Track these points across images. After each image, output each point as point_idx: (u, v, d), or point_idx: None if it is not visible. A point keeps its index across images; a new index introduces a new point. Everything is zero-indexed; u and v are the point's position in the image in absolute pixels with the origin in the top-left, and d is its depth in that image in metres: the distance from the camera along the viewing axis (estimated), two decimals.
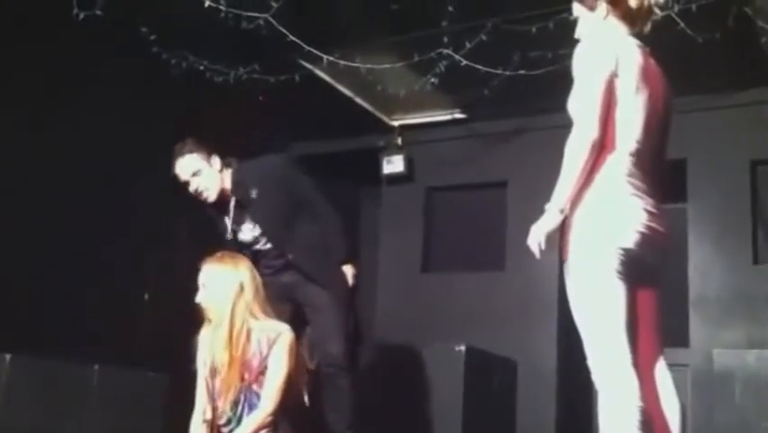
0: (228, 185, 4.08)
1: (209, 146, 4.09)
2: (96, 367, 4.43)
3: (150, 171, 5.40)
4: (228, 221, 4.09)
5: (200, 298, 3.39)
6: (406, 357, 5.46)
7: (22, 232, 4.77)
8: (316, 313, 4.05)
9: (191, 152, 4.02)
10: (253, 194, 4.04)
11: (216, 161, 4.07)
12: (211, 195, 4.03)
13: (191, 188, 4.03)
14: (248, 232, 4.11)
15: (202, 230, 4.31)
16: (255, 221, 4.08)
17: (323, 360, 4.00)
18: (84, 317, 4.97)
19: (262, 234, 4.10)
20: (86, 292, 5.04)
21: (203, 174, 4.01)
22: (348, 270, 4.17)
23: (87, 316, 5.00)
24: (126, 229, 5.35)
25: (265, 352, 3.32)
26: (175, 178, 4.03)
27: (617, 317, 2.60)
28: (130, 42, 4.91)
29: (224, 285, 3.37)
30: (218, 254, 3.49)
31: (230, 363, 3.30)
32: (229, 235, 4.09)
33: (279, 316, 3.58)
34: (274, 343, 3.33)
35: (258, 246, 4.12)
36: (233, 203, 4.08)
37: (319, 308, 4.05)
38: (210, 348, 3.37)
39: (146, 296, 5.58)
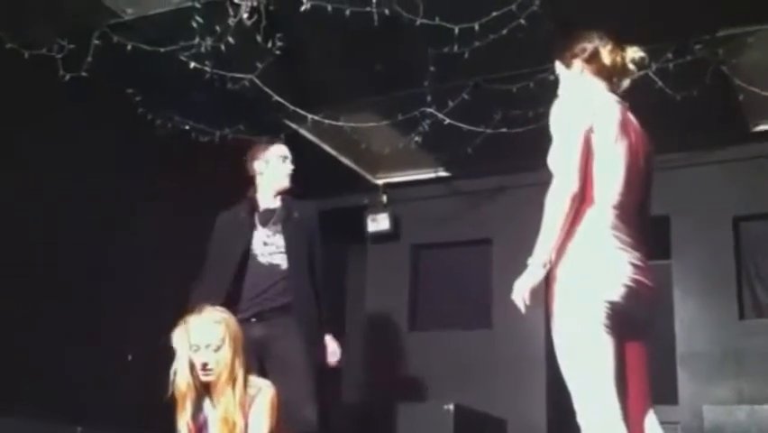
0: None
1: None
2: (80, 429, 4.36)
3: (133, 229, 5.41)
4: (260, 233, 4.16)
5: (210, 359, 3.25)
6: (394, 416, 5.41)
7: (2, 290, 4.71)
8: (290, 373, 3.94)
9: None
10: (295, 214, 4.23)
11: None
12: (288, 181, 4.27)
13: (288, 167, 4.28)
14: (273, 255, 4.13)
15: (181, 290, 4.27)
16: (286, 240, 4.14)
17: (297, 425, 3.85)
18: (67, 377, 4.89)
19: (287, 249, 4.13)
20: (69, 352, 4.96)
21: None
22: (331, 342, 4.24)
23: (70, 376, 4.92)
24: (110, 289, 5.30)
25: (246, 408, 3.26)
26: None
27: (605, 372, 2.59)
28: (115, 103, 4.93)
29: (229, 342, 3.28)
30: (207, 309, 3.38)
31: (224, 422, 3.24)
32: (261, 252, 4.12)
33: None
34: (254, 399, 3.28)
35: (272, 272, 4.10)
36: (277, 212, 4.21)
37: (294, 369, 3.97)
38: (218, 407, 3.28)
39: (129, 356, 5.51)
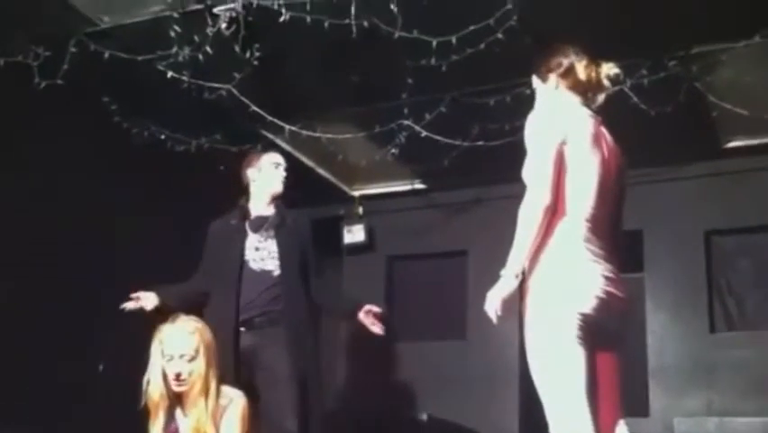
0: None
1: None
2: None
3: (107, 236, 5.37)
4: (251, 239, 4.17)
5: (184, 369, 3.23)
6: (367, 427, 5.40)
7: None
8: (276, 384, 3.95)
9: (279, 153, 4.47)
10: (288, 220, 4.27)
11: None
12: (281, 187, 4.32)
13: (281, 173, 4.34)
14: (264, 260, 4.14)
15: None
16: (278, 245, 4.16)
17: None
18: (36, 388, 4.84)
19: (280, 254, 4.14)
20: (39, 362, 4.91)
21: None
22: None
23: (40, 387, 4.87)
24: (84, 295, 5.25)
25: (217, 418, 3.24)
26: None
27: (577, 383, 2.61)
28: (91, 111, 4.90)
29: (204, 352, 3.27)
30: (181, 318, 3.36)
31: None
32: (253, 258, 4.13)
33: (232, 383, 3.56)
34: (226, 409, 3.26)
35: (264, 278, 4.11)
36: (270, 219, 4.23)
37: (280, 380, 3.96)
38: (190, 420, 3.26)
39: (100, 367, 5.45)
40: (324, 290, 4.37)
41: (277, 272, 4.14)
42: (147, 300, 4.05)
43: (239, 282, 4.09)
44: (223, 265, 4.17)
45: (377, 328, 4.17)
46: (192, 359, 3.25)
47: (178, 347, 3.26)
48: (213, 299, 4.17)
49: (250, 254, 4.17)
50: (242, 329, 4.03)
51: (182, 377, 3.24)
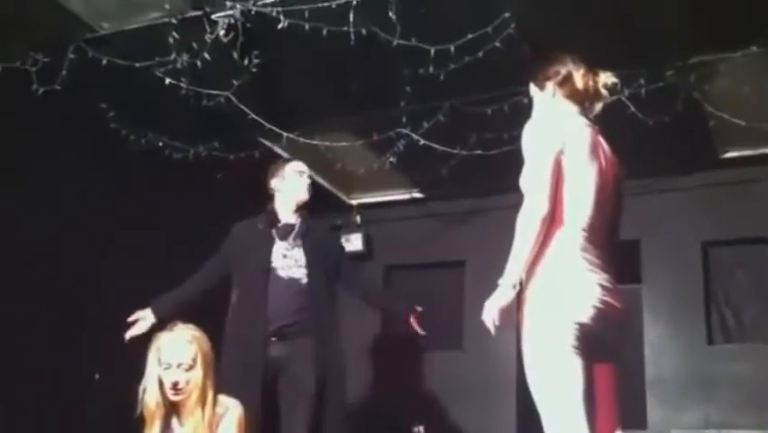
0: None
1: None
2: None
3: (104, 244, 5.36)
4: (279, 247, 4.19)
5: (181, 378, 3.19)
6: None
7: None
8: (300, 399, 3.98)
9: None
10: (315, 230, 4.34)
11: None
12: (306, 195, 4.34)
13: (305, 181, 4.36)
14: (291, 268, 4.16)
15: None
16: (306, 254, 4.19)
17: None
18: (32, 395, 4.82)
19: (307, 264, 4.17)
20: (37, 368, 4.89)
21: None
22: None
23: (36, 394, 4.85)
24: (76, 307, 5.23)
25: (213, 428, 3.21)
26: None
27: (574, 393, 2.59)
28: (89, 118, 4.90)
29: (201, 361, 3.23)
30: (179, 326, 3.31)
31: None
32: (281, 265, 4.15)
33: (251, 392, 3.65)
34: (222, 418, 3.24)
35: (291, 285, 4.13)
36: (297, 227, 4.26)
37: (305, 396, 3.99)
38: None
39: (96, 376, 5.43)
40: (371, 286, 4.60)
41: (304, 281, 4.16)
42: (144, 321, 4.08)
43: (266, 289, 4.10)
44: (248, 270, 4.18)
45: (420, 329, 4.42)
46: (190, 368, 3.21)
47: (176, 356, 3.22)
48: (238, 304, 4.18)
49: (277, 262, 4.18)
50: (274, 339, 4.04)
51: (179, 386, 3.20)
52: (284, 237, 4.23)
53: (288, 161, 4.56)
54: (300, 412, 3.97)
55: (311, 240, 4.27)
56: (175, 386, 3.20)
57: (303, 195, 4.35)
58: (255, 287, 4.12)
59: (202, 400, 3.20)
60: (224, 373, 3.95)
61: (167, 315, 3.99)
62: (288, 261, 4.19)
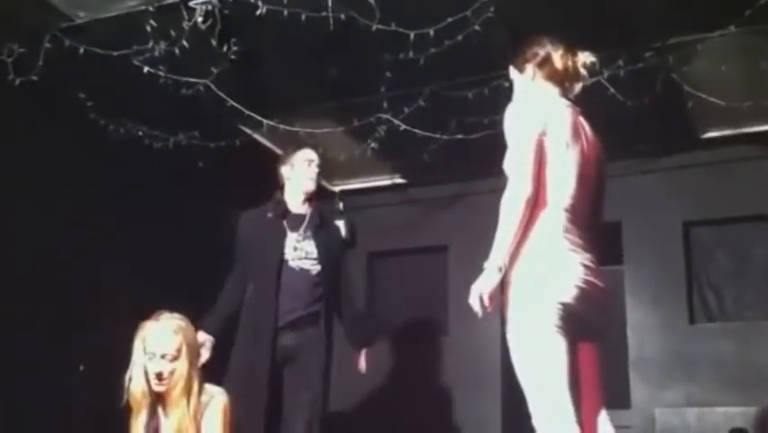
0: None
1: None
2: None
3: (84, 235, 5.32)
4: (290, 237, 4.20)
5: (165, 369, 3.19)
6: (350, 427, 5.39)
7: None
8: (303, 390, 4.05)
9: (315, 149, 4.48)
10: (326, 222, 4.39)
11: None
12: (313, 185, 4.35)
13: (314, 170, 4.37)
14: (302, 260, 4.19)
15: (138, 297, 4.22)
16: (318, 246, 4.21)
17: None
18: (20, 386, 4.79)
19: (318, 257, 4.20)
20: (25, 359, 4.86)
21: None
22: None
23: (24, 385, 4.82)
24: (60, 298, 5.20)
25: (198, 418, 3.21)
26: None
27: (558, 373, 2.61)
28: (67, 108, 4.85)
29: (186, 352, 3.22)
30: (165, 316, 3.30)
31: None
32: (292, 256, 4.17)
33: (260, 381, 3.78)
34: (207, 406, 3.24)
35: (303, 276, 4.17)
36: (308, 218, 4.27)
37: (308, 387, 4.06)
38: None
39: (81, 367, 5.40)
40: (350, 305, 4.50)
41: (315, 272, 4.20)
42: (204, 348, 4.06)
43: (278, 280, 4.12)
44: (260, 260, 4.20)
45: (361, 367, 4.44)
46: (174, 359, 3.21)
47: (161, 346, 3.21)
48: (251, 297, 4.21)
49: (289, 253, 4.20)
50: (286, 328, 4.09)
51: (163, 376, 3.19)
52: (295, 228, 4.25)
53: (298, 148, 4.52)
54: (301, 401, 4.03)
55: (324, 233, 4.31)
56: (159, 376, 3.20)
57: (310, 185, 4.36)
58: (268, 278, 4.13)
59: (187, 391, 3.20)
60: (234, 362, 4.01)
61: (218, 331, 4.17)
62: (299, 252, 4.21)
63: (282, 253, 4.17)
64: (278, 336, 4.08)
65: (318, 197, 4.51)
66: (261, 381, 3.97)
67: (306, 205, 4.36)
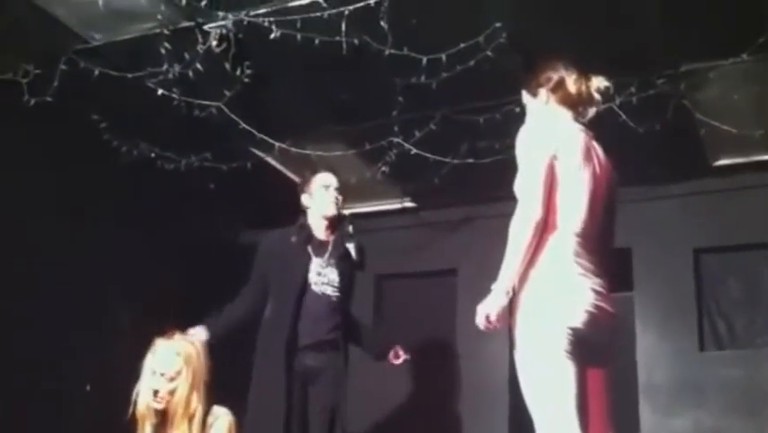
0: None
1: None
2: None
3: (95, 253, 5.34)
4: (314, 263, 4.23)
5: (163, 388, 3.23)
6: None
7: None
8: (321, 411, 4.08)
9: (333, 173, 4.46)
10: (349, 253, 4.36)
11: None
12: (334, 210, 4.35)
13: (332, 194, 4.36)
14: (323, 284, 4.23)
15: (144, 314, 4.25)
16: (340, 276, 4.26)
17: None
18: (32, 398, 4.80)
19: (340, 285, 4.26)
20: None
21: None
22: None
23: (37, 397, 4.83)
24: (64, 319, 5.20)
25: None
26: None
27: (567, 398, 2.60)
28: (81, 129, 4.88)
29: (187, 375, 3.25)
30: (177, 336, 3.37)
31: None
32: (315, 281, 4.20)
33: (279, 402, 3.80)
34: (212, 427, 3.25)
35: (324, 302, 4.20)
36: (331, 246, 4.30)
37: (325, 408, 4.10)
38: None
39: (88, 387, 5.41)
40: (359, 323, 4.58)
41: (335, 298, 4.25)
42: (196, 337, 4.03)
43: (300, 305, 4.15)
44: (284, 281, 4.22)
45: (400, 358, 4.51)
46: (172, 380, 3.26)
47: (161, 365, 3.28)
48: (272, 317, 4.22)
49: (312, 277, 4.24)
50: (308, 351, 4.12)
51: (159, 394, 3.25)
52: (319, 255, 4.28)
53: (314, 173, 4.51)
54: (321, 421, 4.08)
55: (346, 264, 4.34)
56: (155, 394, 3.25)
57: (330, 210, 4.37)
58: (291, 302, 4.15)
59: (188, 415, 3.22)
60: (256, 382, 4.09)
61: (219, 333, 4.16)
62: (322, 278, 4.26)
63: (307, 277, 4.19)
64: (301, 355, 4.11)
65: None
66: (280, 399, 3.97)
67: (329, 231, 4.36)
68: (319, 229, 4.37)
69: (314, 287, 4.22)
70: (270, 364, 4.07)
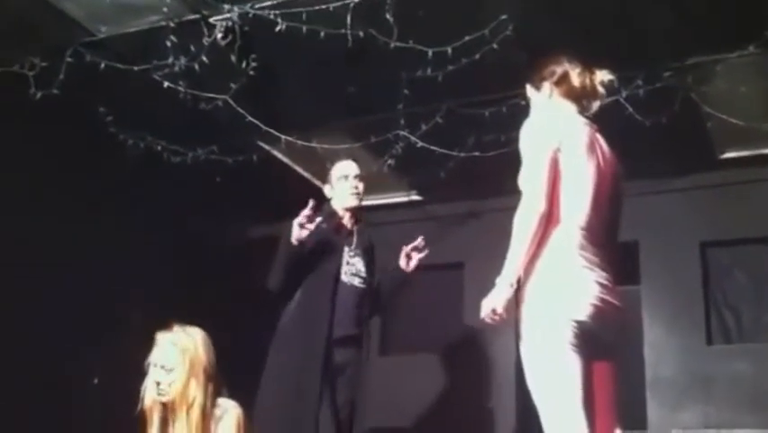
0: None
1: None
2: None
3: (100, 247, 5.36)
4: (345, 251, 4.17)
5: (162, 379, 3.24)
6: None
7: None
8: (342, 407, 4.02)
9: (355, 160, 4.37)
10: (372, 243, 4.32)
11: None
12: (355, 200, 4.24)
13: (351, 184, 4.24)
14: (351, 274, 4.16)
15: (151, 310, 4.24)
16: (366, 266, 4.21)
17: None
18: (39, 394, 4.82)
19: (366, 276, 4.20)
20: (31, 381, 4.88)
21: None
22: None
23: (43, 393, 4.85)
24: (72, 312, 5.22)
25: (212, 431, 3.23)
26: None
27: (573, 391, 2.59)
28: (87, 122, 4.90)
29: (184, 367, 3.25)
30: (176, 329, 3.35)
31: None
32: (344, 270, 4.13)
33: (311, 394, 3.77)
34: (220, 420, 3.25)
35: (352, 292, 4.14)
36: (357, 235, 4.23)
37: (350, 401, 4.06)
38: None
39: (95, 380, 5.43)
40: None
41: (360, 289, 4.19)
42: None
43: (335, 295, 4.06)
44: (316, 268, 4.09)
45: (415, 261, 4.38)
46: (170, 371, 3.27)
47: (160, 357, 3.30)
48: (301, 305, 4.08)
49: (342, 267, 4.17)
50: (339, 344, 4.04)
51: (161, 386, 3.27)
52: (347, 243, 4.21)
53: (335, 163, 4.40)
54: (343, 416, 4.02)
55: (371, 255, 4.30)
56: (157, 385, 3.27)
57: (350, 201, 4.27)
58: (323, 290, 4.06)
59: (186, 404, 3.22)
60: (278, 372, 3.98)
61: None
62: (350, 267, 4.19)
63: (339, 266, 4.13)
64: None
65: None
66: (313, 392, 3.88)
67: (352, 221, 4.30)
68: (343, 219, 4.31)
69: (343, 277, 4.13)
70: (304, 357, 3.94)
